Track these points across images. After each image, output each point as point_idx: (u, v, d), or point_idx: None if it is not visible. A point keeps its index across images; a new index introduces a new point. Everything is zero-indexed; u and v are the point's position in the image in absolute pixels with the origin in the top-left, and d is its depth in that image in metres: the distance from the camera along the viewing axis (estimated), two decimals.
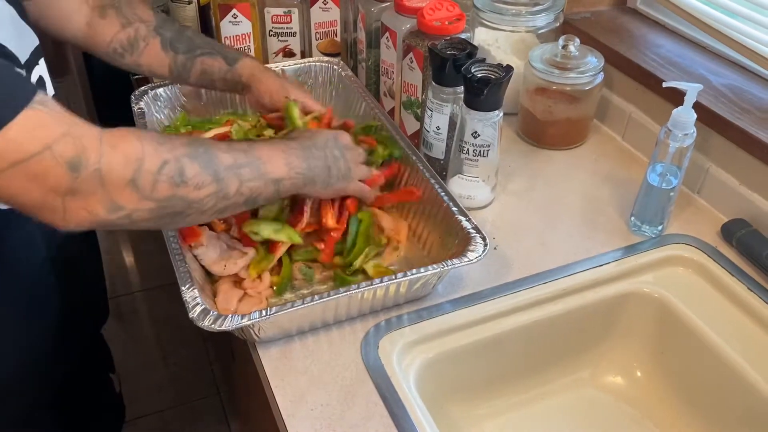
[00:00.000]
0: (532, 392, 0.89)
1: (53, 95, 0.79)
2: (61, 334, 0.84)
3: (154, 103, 1.04)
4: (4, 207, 0.70)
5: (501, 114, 0.89)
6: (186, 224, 0.70)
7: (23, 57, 0.71)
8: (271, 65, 1.12)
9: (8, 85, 0.56)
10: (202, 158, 0.64)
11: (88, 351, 1.00)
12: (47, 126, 0.56)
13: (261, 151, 0.71)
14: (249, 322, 0.68)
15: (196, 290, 0.71)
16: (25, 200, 0.57)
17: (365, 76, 1.16)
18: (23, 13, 0.72)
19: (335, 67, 1.13)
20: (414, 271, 0.75)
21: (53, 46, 2.47)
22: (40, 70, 0.76)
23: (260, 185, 0.69)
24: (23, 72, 0.71)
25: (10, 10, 0.69)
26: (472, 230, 0.79)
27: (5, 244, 0.73)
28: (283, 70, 1.11)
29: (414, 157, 0.92)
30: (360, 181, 0.84)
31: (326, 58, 1.15)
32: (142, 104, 1.01)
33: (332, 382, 0.72)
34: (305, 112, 0.94)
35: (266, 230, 0.81)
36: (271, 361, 0.74)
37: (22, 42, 0.72)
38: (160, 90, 1.05)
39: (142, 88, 1.04)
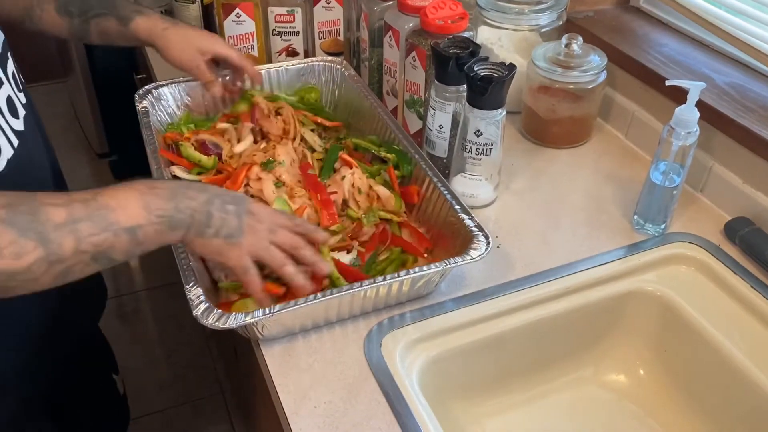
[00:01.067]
0: (534, 390, 0.89)
1: (26, 102, 0.78)
2: (53, 329, 0.83)
3: (158, 102, 1.04)
4: None
5: (504, 112, 0.89)
6: (17, 294, 0.57)
7: None
8: (274, 64, 1.12)
9: None
10: (22, 220, 0.55)
11: (86, 348, 0.99)
12: None
13: (109, 198, 0.60)
14: (252, 320, 0.69)
15: (200, 288, 0.71)
16: None
17: (368, 75, 1.16)
18: None
19: (338, 66, 1.13)
20: (417, 269, 0.75)
21: (57, 47, 2.48)
22: (12, 65, 0.75)
23: (108, 237, 0.59)
24: None
25: None
26: (474, 228, 0.79)
27: None
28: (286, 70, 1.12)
29: (417, 156, 0.92)
30: (263, 267, 0.71)
31: (329, 58, 1.15)
32: (145, 103, 1.02)
33: (335, 380, 0.72)
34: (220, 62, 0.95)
35: (253, 307, 0.72)
36: (274, 359, 0.74)
37: None
38: (164, 89, 1.05)
39: (146, 87, 1.05)
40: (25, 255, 0.54)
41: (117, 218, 0.59)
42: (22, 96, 0.77)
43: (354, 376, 0.72)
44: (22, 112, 0.75)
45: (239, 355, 1.17)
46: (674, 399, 0.87)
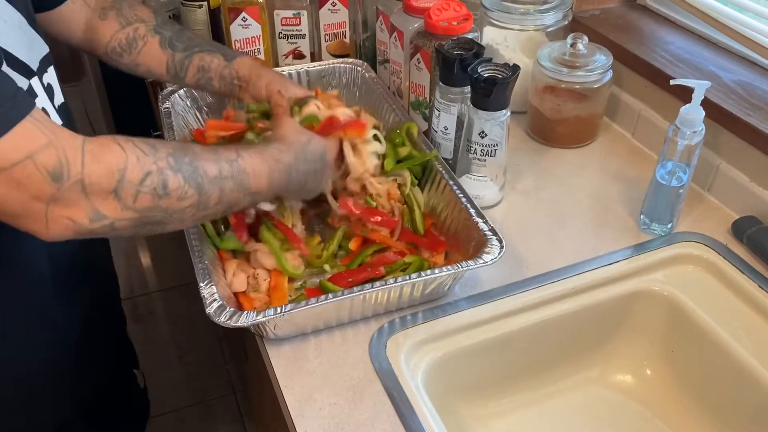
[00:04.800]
0: (540, 391, 0.89)
1: (62, 102, 0.81)
2: (82, 341, 0.86)
3: (182, 102, 1.05)
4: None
5: (508, 113, 0.89)
6: (163, 231, 0.68)
7: (33, 65, 0.72)
8: (282, 68, 1.13)
9: (7, 98, 0.56)
10: (186, 169, 0.65)
11: (112, 352, 1.01)
12: (31, 136, 0.56)
13: (247, 162, 0.71)
14: (264, 319, 0.70)
15: (213, 287, 0.72)
16: (7, 208, 0.57)
17: (388, 77, 1.16)
18: (33, 22, 0.73)
19: (359, 68, 1.13)
20: (428, 271, 0.75)
21: (69, 50, 2.50)
22: (49, 77, 0.77)
23: (239, 197, 0.71)
24: (34, 80, 0.72)
25: (20, 19, 0.70)
26: (488, 232, 0.79)
27: (11, 259, 0.74)
28: (308, 72, 1.12)
29: (434, 159, 0.91)
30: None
31: (350, 60, 1.15)
32: (168, 104, 1.02)
33: (340, 382, 0.73)
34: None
35: None
36: (280, 361, 0.75)
37: (33, 50, 0.73)
38: (188, 90, 1.06)
39: (170, 88, 1.05)
40: (186, 199, 0.65)
41: (250, 184, 0.71)
42: (54, 108, 0.79)
43: (359, 378, 0.73)
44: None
45: (249, 356, 1.18)
46: (681, 399, 0.87)
